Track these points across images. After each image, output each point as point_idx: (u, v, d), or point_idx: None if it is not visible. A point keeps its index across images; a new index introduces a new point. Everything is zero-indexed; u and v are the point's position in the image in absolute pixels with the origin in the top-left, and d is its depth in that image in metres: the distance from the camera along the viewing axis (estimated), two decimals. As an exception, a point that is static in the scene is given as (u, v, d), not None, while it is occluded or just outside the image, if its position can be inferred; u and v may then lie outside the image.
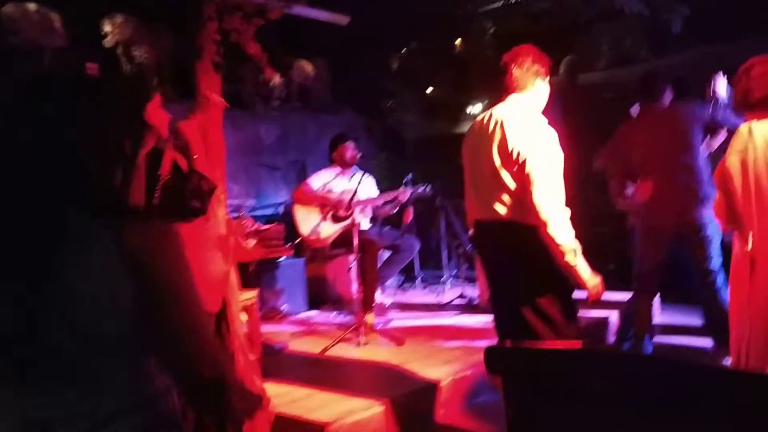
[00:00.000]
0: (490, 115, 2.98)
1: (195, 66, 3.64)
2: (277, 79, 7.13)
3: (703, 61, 6.16)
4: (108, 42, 6.24)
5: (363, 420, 3.26)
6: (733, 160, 2.54)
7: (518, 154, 2.77)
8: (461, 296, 6.07)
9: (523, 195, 2.79)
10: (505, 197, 2.84)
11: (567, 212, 2.78)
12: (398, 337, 4.63)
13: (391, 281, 6.92)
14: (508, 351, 1.00)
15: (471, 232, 3.34)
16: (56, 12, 5.72)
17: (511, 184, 2.82)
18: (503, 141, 2.83)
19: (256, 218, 5.85)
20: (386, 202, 5.50)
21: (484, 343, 4.40)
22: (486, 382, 3.93)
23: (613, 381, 0.89)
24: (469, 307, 5.79)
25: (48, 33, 5.34)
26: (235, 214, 5.17)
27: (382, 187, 5.83)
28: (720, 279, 3.97)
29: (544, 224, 2.73)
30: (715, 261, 3.99)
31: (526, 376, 0.97)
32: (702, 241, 3.98)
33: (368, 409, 3.33)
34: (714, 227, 3.93)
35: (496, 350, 1.13)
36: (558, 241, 2.73)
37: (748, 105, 2.57)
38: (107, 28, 6.22)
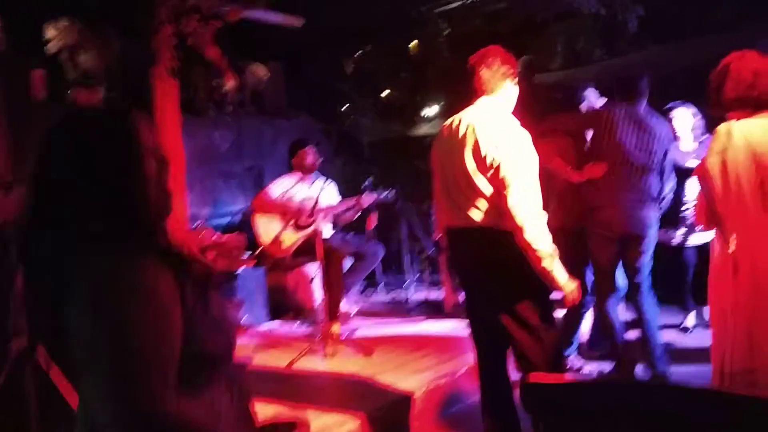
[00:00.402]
0: (460, 120, 2.90)
1: (149, 72, 3.50)
2: (231, 84, 6.94)
3: (657, 60, 6.24)
4: (52, 48, 5.95)
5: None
6: (713, 161, 2.51)
7: (492, 159, 2.70)
8: (426, 301, 6.00)
9: (498, 200, 2.72)
10: (480, 203, 2.77)
11: (544, 216, 2.72)
12: (366, 347, 4.52)
13: (354, 287, 6.81)
14: (545, 386, 0.92)
15: (438, 237, 3.26)
16: (-3, 17, 5.44)
17: (486, 189, 2.74)
18: (476, 146, 2.75)
19: (213, 228, 5.66)
20: (348, 208, 5.38)
21: (454, 348, 4.37)
22: (458, 391, 3.88)
23: (662, 414, 0.81)
24: (436, 312, 5.72)
25: (-13, 40, 5.06)
26: (193, 225, 4.99)
27: (341, 192, 5.72)
28: (646, 285, 3.97)
29: (520, 229, 2.66)
30: (646, 264, 3.95)
31: (566, 412, 0.88)
32: (640, 240, 3.91)
33: (343, 425, 3.22)
34: (654, 232, 3.92)
35: (533, 386, 1.04)
36: (534, 246, 2.66)
37: (725, 104, 2.54)
38: (50, 33, 5.93)
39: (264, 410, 3.41)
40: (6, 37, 5.46)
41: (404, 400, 3.58)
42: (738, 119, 2.50)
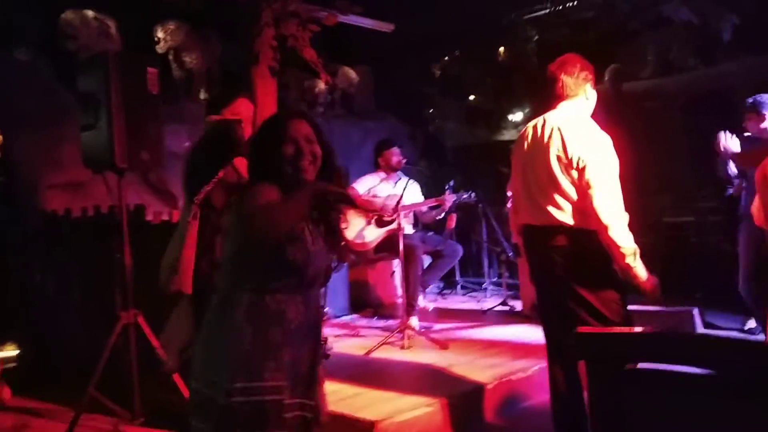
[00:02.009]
0: (544, 123, 3.00)
1: (251, 71, 3.77)
2: (322, 85, 7.23)
3: (753, 71, 6.10)
4: (161, 48, 6.41)
5: (410, 420, 3.30)
6: None
7: (578, 161, 2.80)
8: (503, 303, 6.07)
9: (582, 200, 2.82)
10: (563, 203, 2.86)
11: (626, 216, 2.80)
12: (441, 341, 4.65)
13: (432, 288, 6.95)
14: (596, 334, 1.03)
15: (516, 239, 3.35)
16: (112, 18, 5.92)
17: (570, 189, 2.84)
18: (563, 147, 2.86)
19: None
20: (431, 208, 5.54)
21: (528, 349, 4.44)
22: (528, 389, 3.96)
23: (700, 364, 0.92)
24: (512, 315, 5.79)
25: (104, 38, 5.53)
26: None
27: (424, 194, 5.88)
28: None
29: (605, 228, 2.75)
30: None
31: (613, 359, 1.00)
32: None
33: (415, 409, 3.37)
34: None
35: (584, 333, 1.17)
36: (619, 243, 2.76)
37: None
38: (160, 34, 6.39)
39: (342, 392, 3.64)
40: (121, 37, 5.95)
41: (477, 390, 3.70)
42: None
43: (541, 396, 3.84)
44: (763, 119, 4.55)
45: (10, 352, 5.49)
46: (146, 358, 3.75)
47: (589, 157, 2.79)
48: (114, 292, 4.14)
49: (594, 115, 3.07)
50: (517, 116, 8.45)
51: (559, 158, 2.86)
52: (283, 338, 1.78)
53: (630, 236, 2.78)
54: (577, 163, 2.80)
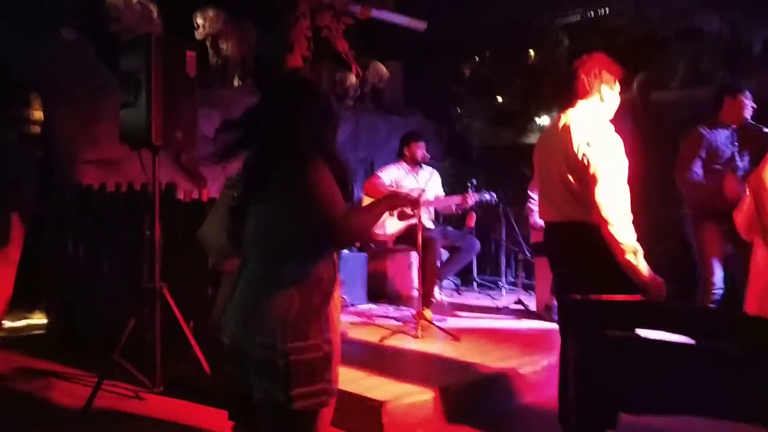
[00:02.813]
0: (559, 120, 3.08)
1: (285, 60, 3.92)
2: (353, 79, 7.36)
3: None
4: (199, 34, 6.59)
5: (418, 402, 3.43)
6: None
7: (583, 156, 2.87)
8: (518, 302, 6.16)
9: (587, 195, 2.87)
10: (572, 198, 2.94)
11: (629, 215, 2.86)
12: (454, 333, 4.76)
13: (448, 283, 7.06)
14: (581, 301, 1.13)
15: (534, 237, 3.43)
16: (154, 3, 6.11)
17: (577, 185, 2.91)
18: (569, 143, 2.93)
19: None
20: (452, 204, 5.63)
21: (538, 345, 4.54)
22: (539, 381, 4.06)
23: (677, 331, 1.01)
24: (526, 313, 5.87)
25: (147, 22, 5.73)
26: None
27: (445, 191, 5.98)
28: None
29: (605, 222, 2.81)
30: None
31: (596, 325, 1.11)
32: None
33: (423, 393, 3.50)
34: None
35: (571, 300, 1.28)
36: (618, 239, 2.81)
37: None
38: (199, 20, 6.57)
39: (353, 373, 3.76)
40: (162, 22, 6.14)
41: (485, 380, 3.81)
42: None
43: (548, 391, 3.93)
44: None
45: (40, 319, 5.72)
46: (169, 330, 3.91)
47: (594, 154, 2.84)
48: (141, 265, 4.31)
49: (620, 123, 3.10)
50: (544, 120, 8.50)
51: (566, 155, 2.93)
52: (322, 299, 1.95)
53: (632, 234, 2.83)
54: (582, 159, 2.86)
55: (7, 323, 5.71)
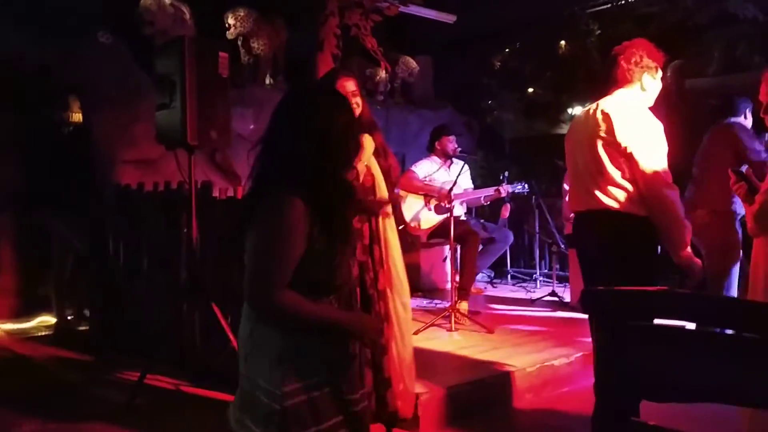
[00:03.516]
0: (596, 108, 3.00)
1: (315, 58, 3.98)
2: (383, 74, 7.40)
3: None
4: (231, 34, 6.69)
5: (451, 393, 3.47)
6: None
7: (627, 146, 2.81)
8: (552, 294, 6.15)
9: (630, 185, 2.84)
10: (611, 188, 2.88)
11: (677, 189, 2.84)
12: (488, 326, 4.79)
13: (482, 276, 7.08)
14: (601, 291, 1.16)
15: (568, 228, 3.41)
16: (186, 5, 6.23)
17: (617, 174, 2.86)
18: (611, 132, 2.86)
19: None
20: (486, 197, 5.64)
21: (573, 337, 4.54)
22: (572, 373, 4.07)
23: (703, 321, 1.03)
24: (560, 305, 5.87)
25: (180, 24, 5.84)
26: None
27: (477, 185, 5.99)
28: None
29: (669, 203, 2.79)
30: None
31: (618, 315, 1.13)
32: None
33: (457, 386, 3.53)
34: None
35: (591, 290, 1.31)
36: (680, 215, 2.80)
37: None
38: (230, 20, 6.67)
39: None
40: (194, 23, 6.26)
41: (519, 372, 3.83)
42: None
43: (582, 382, 3.95)
44: None
45: (80, 317, 5.88)
46: (208, 325, 4.00)
47: (639, 143, 2.79)
48: (180, 262, 4.41)
49: (655, 112, 3.00)
50: (576, 110, 8.44)
51: (607, 142, 2.87)
52: (321, 336, 1.79)
53: (681, 209, 2.82)
54: (626, 148, 2.81)
55: (51, 320, 5.90)
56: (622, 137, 2.83)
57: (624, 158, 2.84)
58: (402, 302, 3.11)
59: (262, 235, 1.72)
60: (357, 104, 3.07)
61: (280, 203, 1.70)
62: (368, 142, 3.11)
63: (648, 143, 2.82)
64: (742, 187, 2.72)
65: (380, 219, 3.08)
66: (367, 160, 3.12)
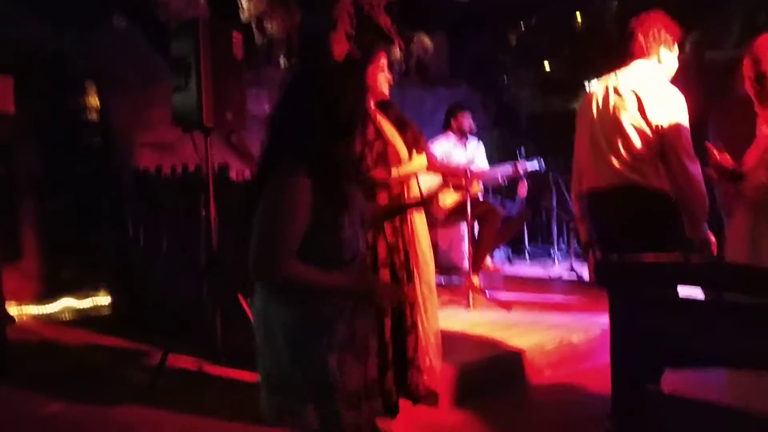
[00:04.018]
0: (617, 82, 2.95)
1: (329, 37, 3.96)
2: (397, 52, 7.35)
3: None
4: (244, 15, 6.68)
5: (471, 369, 3.49)
6: None
7: (658, 125, 2.79)
8: (571, 270, 6.13)
9: (657, 161, 2.82)
10: (637, 162, 2.85)
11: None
12: (505, 302, 4.79)
13: (500, 254, 7.06)
14: (615, 262, 1.16)
15: (575, 205, 3.34)
16: (200, -13, 6.22)
17: (645, 150, 2.83)
18: (641, 111, 2.83)
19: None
20: (503, 174, 5.61)
21: (591, 314, 4.53)
22: (590, 350, 4.07)
23: (717, 289, 1.03)
24: (578, 282, 5.85)
25: (193, 6, 5.84)
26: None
27: (493, 162, 5.96)
28: None
29: (693, 179, 2.76)
30: None
31: (632, 285, 1.14)
32: None
33: (477, 362, 3.55)
34: None
35: (605, 262, 1.31)
36: (703, 193, 2.78)
37: None
38: (244, 2, 6.65)
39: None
40: (208, 5, 6.26)
41: (536, 348, 3.84)
42: None
43: (601, 358, 3.95)
44: None
45: (104, 298, 5.98)
46: (227, 305, 4.05)
47: (669, 119, 2.77)
48: (199, 244, 4.45)
49: (674, 84, 2.95)
50: (594, 85, 8.34)
51: (635, 119, 2.84)
52: (334, 313, 1.83)
53: (703, 185, 2.81)
54: (657, 127, 2.78)
55: (75, 303, 6.00)
56: (652, 113, 2.80)
57: (653, 133, 2.81)
58: (427, 282, 3.13)
59: (267, 207, 1.77)
60: (387, 80, 3.11)
61: (285, 176, 1.76)
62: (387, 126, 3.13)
63: (676, 118, 2.79)
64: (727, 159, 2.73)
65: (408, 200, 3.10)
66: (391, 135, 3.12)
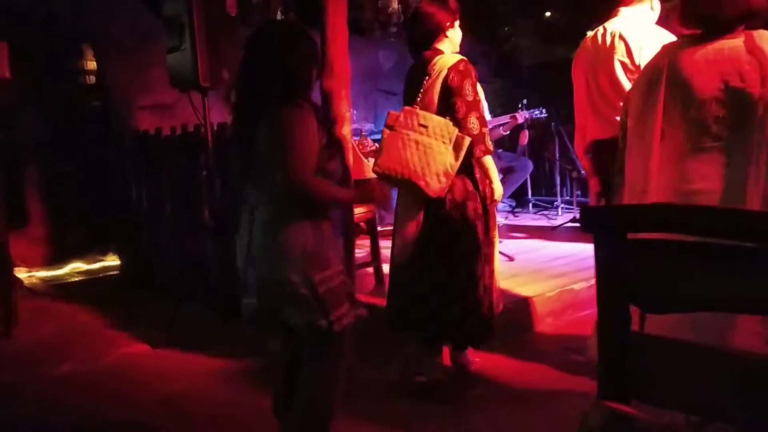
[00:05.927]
0: (605, 31, 2.95)
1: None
2: (395, 5, 7.25)
3: None
4: (238, -29, 6.58)
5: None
6: None
7: (643, 62, 2.70)
8: (573, 220, 6.15)
9: None
10: None
11: None
12: (508, 254, 4.82)
13: (503, 205, 7.08)
14: (600, 207, 1.18)
15: (582, 157, 3.31)
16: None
17: None
18: (627, 54, 2.81)
19: (375, 141, 6.12)
20: (502, 124, 5.59)
21: (593, 262, 4.54)
22: (593, 297, 4.10)
23: (700, 233, 1.04)
24: (581, 232, 5.85)
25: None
26: (356, 137, 5.46)
27: (497, 113, 5.92)
28: None
29: None
30: None
31: (616, 230, 1.15)
32: None
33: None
34: None
35: (589, 207, 1.33)
36: None
37: None
38: (237, -43, 6.54)
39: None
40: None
41: (539, 297, 3.88)
42: None
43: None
44: None
45: (113, 261, 6.06)
46: (231, 265, 4.09)
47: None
48: (201, 204, 4.48)
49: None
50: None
51: (624, 65, 2.82)
52: (332, 230, 2.17)
53: None
54: (641, 66, 2.71)
55: (84, 266, 6.08)
56: (641, 59, 2.76)
57: None
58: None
59: (291, 132, 1.99)
60: None
61: (296, 110, 2.01)
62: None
63: None
64: None
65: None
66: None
